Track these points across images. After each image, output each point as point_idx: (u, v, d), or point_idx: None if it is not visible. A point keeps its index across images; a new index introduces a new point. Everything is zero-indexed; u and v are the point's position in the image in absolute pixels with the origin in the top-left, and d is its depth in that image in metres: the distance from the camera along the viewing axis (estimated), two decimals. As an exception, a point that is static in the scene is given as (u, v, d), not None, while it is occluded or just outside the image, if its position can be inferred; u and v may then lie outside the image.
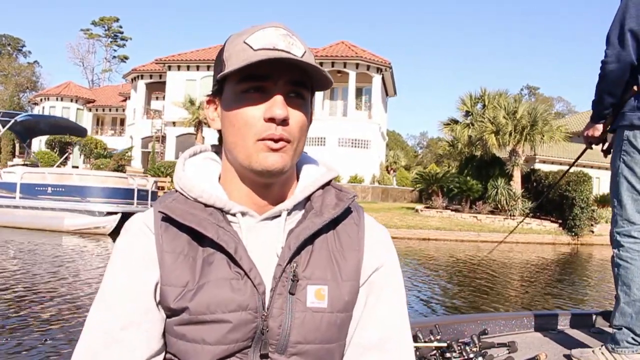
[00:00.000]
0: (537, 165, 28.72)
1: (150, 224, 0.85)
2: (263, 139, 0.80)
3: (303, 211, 0.89)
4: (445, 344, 1.93)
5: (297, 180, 0.93)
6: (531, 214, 20.31)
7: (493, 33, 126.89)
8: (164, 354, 0.84)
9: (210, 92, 0.89)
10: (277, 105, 0.79)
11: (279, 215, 0.87)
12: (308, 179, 0.92)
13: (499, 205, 20.41)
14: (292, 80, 0.81)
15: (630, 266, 1.98)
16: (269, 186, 0.86)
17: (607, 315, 2.46)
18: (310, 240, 0.85)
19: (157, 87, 37.82)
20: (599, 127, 2.21)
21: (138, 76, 38.02)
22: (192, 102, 29.13)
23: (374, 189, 28.21)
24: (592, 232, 20.37)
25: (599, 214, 20.94)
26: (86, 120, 44.38)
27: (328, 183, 0.93)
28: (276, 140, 0.80)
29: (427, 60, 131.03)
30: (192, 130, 29.91)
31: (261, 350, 0.80)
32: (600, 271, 12.99)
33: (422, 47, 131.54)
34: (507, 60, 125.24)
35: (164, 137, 35.46)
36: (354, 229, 0.90)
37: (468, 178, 21.40)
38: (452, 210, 21.33)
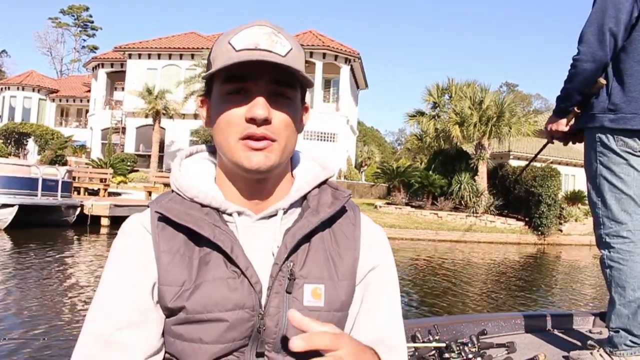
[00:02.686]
0: (511, 162, 27.51)
1: (147, 224, 0.85)
2: (243, 138, 0.80)
3: (299, 210, 0.89)
4: (444, 344, 1.90)
5: (293, 179, 0.92)
6: (496, 211, 18.91)
7: (474, 29, 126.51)
8: (162, 354, 0.84)
9: (203, 92, 0.90)
10: (257, 105, 0.78)
11: (275, 215, 0.87)
12: (304, 178, 0.92)
13: (462, 202, 19.01)
14: (275, 80, 0.80)
15: (623, 267, 1.93)
16: (263, 185, 0.86)
17: (605, 316, 2.29)
18: (306, 239, 0.85)
19: (120, 77, 36.08)
20: (563, 122, 2.18)
21: (99, 65, 36.37)
22: (149, 91, 27.64)
23: (339, 184, 26.65)
24: (561, 231, 19.05)
25: (569, 211, 19.59)
26: (49, 111, 42.59)
27: (324, 182, 0.92)
28: (258, 139, 0.80)
29: (408, 58, 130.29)
30: (151, 121, 28.30)
31: (257, 349, 0.80)
32: (568, 279, 11.63)
33: (402, 45, 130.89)
34: (488, 57, 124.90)
35: (124, 129, 33.75)
36: (351, 228, 0.90)
37: (430, 172, 20.01)
38: (413, 206, 19.90)
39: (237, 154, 0.81)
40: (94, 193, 19.91)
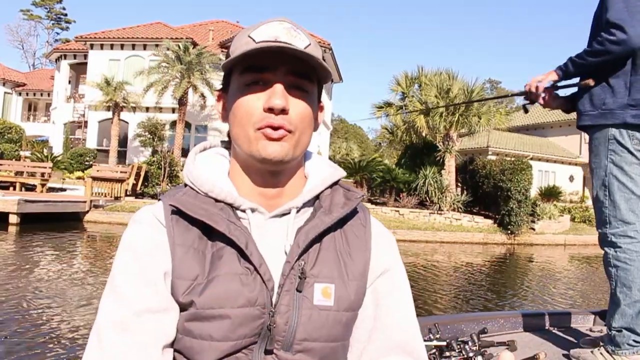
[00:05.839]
0: (490, 158, 26.20)
1: (161, 217, 0.84)
2: (261, 128, 0.80)
3: (312, 209, 0.89)
4: (444, 343, 1.90)
5: (306, 178, 0.93)
6: (463, 208, 17.43)
7: (459, 27, 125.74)
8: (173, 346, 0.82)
9: (219, 88, 0.90)
10: (275, 95, 0.79)
11: (288, 213, 0.87)
12: (317, 177, 0.92)
13: (427, 198, 17.51)
14: (293, 71, 0.81)
15: (630, 267, 1.94)
16: (277, 181, 0.86)
17: (605, 315, 2.20)
18: (318, 238, 0.85)
19: (86, 69, 34.47)
20: (550, 78, 2.17)
21: (61, 56, 34.71)
22: (107, 82, 26.20)
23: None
24: (533, 229, 17.59)
25: (542, 208, 18.15)
26: (15, 105, 40.93)
27: (336, 182, 0.93)
28: (275, 128, 0.80)
29: (392, 55, 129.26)
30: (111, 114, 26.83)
31: (267, 347, 0.79)
32: (539, 288, 10.15)
33: (386, 43, 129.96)
34: (473, 54, 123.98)
35: (87, 122, 32.11)
36: (361, 229, 0.90)
37: (395, 167, 18.52)
38: (377, 203, 18.38)
39: (253, 144, 0.81)
40: (31, 189, 18.31)
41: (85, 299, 6.47)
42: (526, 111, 2.44)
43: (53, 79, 39.90)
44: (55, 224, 13.39)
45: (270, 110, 0.79)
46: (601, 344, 2.06)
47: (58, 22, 59.50)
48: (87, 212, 14.96)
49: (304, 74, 0.82)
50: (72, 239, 12.28)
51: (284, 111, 0.79)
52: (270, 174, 0.85)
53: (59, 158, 22.84)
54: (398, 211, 17.09)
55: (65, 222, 14.00)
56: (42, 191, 17.83)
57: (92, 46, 31.63)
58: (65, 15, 59.55)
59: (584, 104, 2.10)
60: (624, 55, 1.96)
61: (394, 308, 0.88)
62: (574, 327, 2.62)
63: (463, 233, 16.44)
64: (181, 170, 22.24)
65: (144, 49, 30.89)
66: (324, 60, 0.93)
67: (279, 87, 0.79)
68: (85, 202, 14.89)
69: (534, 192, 20.35)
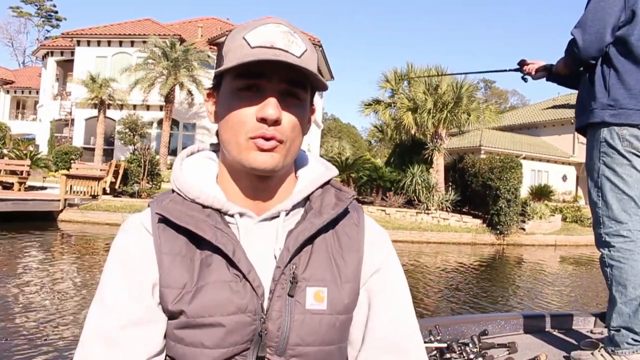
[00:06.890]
0: (482, 157, 25.81)
1: (148, 225, 0.84)
2: (254, 137, 0.79)
3: (302, 211, 0.88)
4: (445, 345, 1.90)
5: (297, 179, 0.91)
6: (451, 208, 16.97)
7: (457, 27, 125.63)
8: (164, 355, 0.82)
9: (210, 86, 0.90)
10: (269, 105, 0.77)
11: (278, 216, 0.85)
12: (307, 178, 0.90)
13: (415, 197, 17.03)
14: (288, 79, 0.79)
15: (624, 265, 1.96)
16: (266, 184, 0.85)
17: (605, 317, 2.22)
18: (309, 241, 0.83)
19: (72, 66, 33.99)
20: (538, 66, 2.37)
21: (48, 53, 34.20)
22: (93, 79, 25.70)
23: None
24: (523, 229, 17.14)
25: (533, 208, 17.71)
26: (3, 103, 40.46)
27: (327, 182, 0.91)
28: (267, 139, 0.79)
29: (391, 56, 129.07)
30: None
31: (259, 353, 0.78)
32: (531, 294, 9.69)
33: (380, 43, 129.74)
34: (469, 55, 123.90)
35: (73, 120, 31.61)
36: (354, 229, 0.89)
37: (382, 165, 18.06)
38: (364, 202, 17.89)
39: (243, 153, 0.79)
40: (9, 187, 17.79)
41: (37, 303, 6.00)
42: (525, 80, 2.51)
43: (40, 77, 39.43)
44: (27, 223, 12.88)
45: (263, 120, 0.77)
46: (601, 345, 2.05)
47: (48, 20, 58.79)
48: (61, 211, 14.44)
49: (299, 82, 0.79)
50: (39, 238, 11.77)
51: (276, 122, 0.78)
52: (260, 178, 0.83)
53: (38, 156, 22.25)
54: (384, 210, 16.59)
55: (39, 221, 13.48)
56: (19, 189, 17.31)
57: (79, 42, 31.19)
58: (56, 12, 58.85)
59: (577, 107, 2.15)
60: (577, 63, 2.05)
61: (386, 307, 0.85)
62: (574, 329, 2.63)
63: (451, 233, 15.98)
64: (168, 168, 21.76)
65: (132, 45, 30.42)
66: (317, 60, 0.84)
67: (273, 99, 0.77)
68: (58, 200, 14.35)
69: (525, 192, 19.95)
